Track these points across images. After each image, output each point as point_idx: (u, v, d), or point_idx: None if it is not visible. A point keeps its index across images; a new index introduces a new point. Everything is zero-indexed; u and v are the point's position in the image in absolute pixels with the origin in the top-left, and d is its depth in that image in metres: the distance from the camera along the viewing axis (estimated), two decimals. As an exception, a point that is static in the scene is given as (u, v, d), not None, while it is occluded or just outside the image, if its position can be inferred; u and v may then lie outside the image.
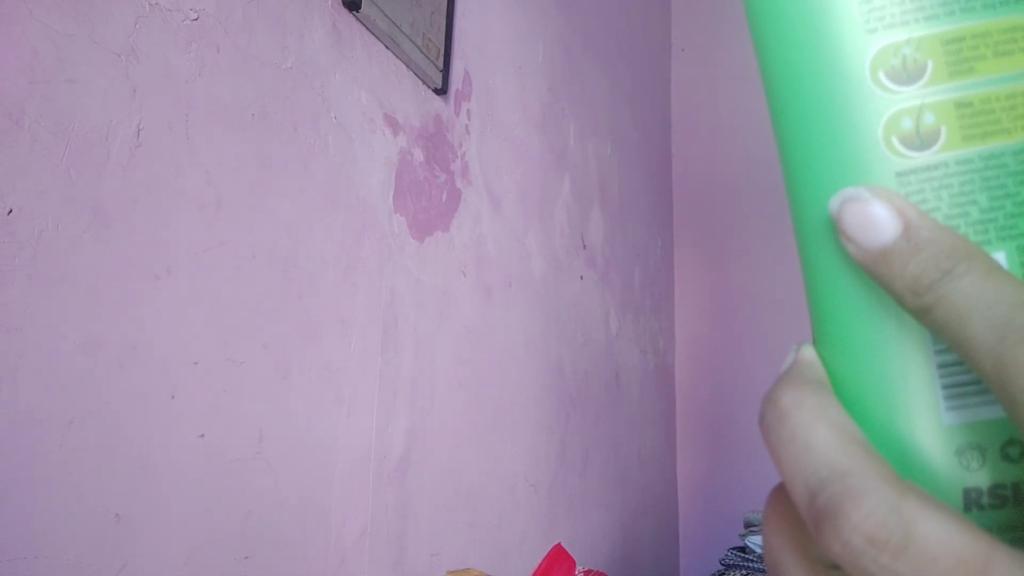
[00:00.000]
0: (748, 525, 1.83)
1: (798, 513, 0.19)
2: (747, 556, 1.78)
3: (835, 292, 0.19)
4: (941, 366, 0.17)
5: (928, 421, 0.18)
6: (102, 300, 0.60)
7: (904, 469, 0.18)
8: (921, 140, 0.18)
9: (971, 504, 0.17)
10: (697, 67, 2.67)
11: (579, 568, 1.08)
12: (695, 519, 2.37)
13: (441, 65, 1.11)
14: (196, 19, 0.70)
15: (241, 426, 0.73)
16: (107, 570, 0.59)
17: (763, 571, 1.73)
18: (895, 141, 0.18)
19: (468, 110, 1.21)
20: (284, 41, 0.81)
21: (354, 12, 0.92)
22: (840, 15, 0.18)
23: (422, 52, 1.06)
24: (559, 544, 1.08)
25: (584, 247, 1.68)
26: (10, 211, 0.54)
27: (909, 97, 0.18)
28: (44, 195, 0.56)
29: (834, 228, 0.18)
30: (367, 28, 0.95)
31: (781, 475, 0.18)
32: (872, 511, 0.15)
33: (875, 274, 0.18)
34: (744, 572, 1.76)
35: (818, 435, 0.17)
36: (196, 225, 0.69)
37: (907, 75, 0.18)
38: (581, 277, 1.65)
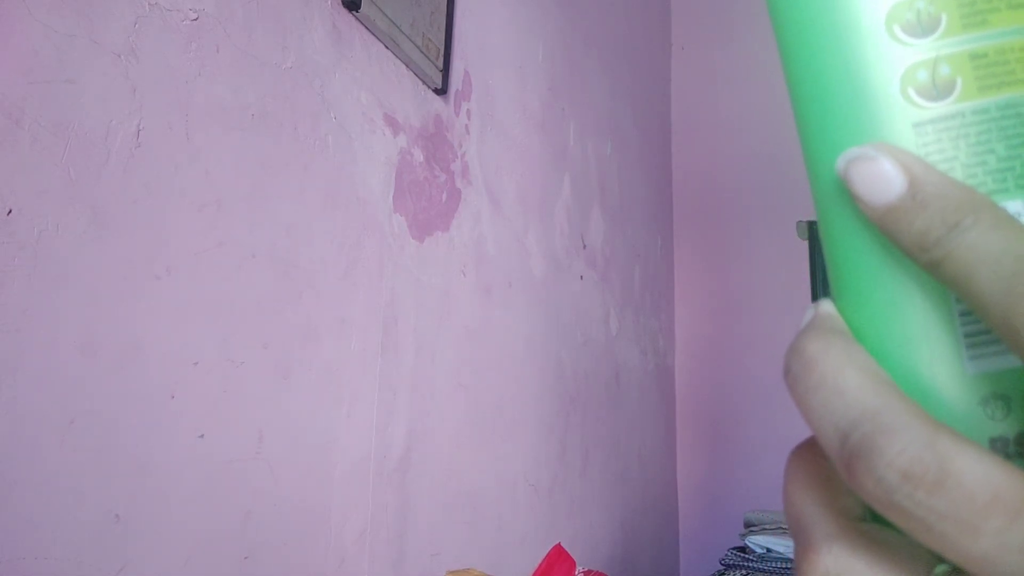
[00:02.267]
0: (748, 525, 1.83)
1: (824, 466, 0.19)
2: (747, 556, 1.78)
3: (852, 247, 0.19)
4: (963, 314, 0.17)
5: (951, 371, 0.18)
6: (102, 300, 0.60)
7: (933, 414, 0.18)
8: (937, 91, 0.18)
9: (997, 454, 0.17)
10: (697, 66, 2.67)
11: (579, 568, 1.08)
12: (695, 519, 2.37)
13: (441, 65, 1.11)
14: (196, 19, 0.70)
15: (241, 426, 0.73)
16: (107, 570, 0.59)
17: (763, 571, 1.73)
18: (912, 92, 0.18)
19: (468, 110, 1.21)
20: (284, 41, 0.81)
21: (354, 12, 0.92)
22: None
23: (422, 52, 1.06)
24: (559, 544, 1.08)
25: (584, 247, 1.68)
26: (10, 211, 0.54)
27: (924, 49, 0.18)
28: (44, 195, 0.56)
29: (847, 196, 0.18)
30: (367, 28, 0.95)
31: (810, 423, 0.18)
32: (907, 446, 0.15)
33: (885, 231, 0.18)
34: (744, 572, 1.76)
35: (848, 378, 0.17)
36: (196, 225, 0.69)
37: (922, 28, 0.18)
38: (581, 277, 1.65)
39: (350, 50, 0.92)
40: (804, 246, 2.43)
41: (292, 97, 0.82)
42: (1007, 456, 0.17)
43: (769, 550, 1.76)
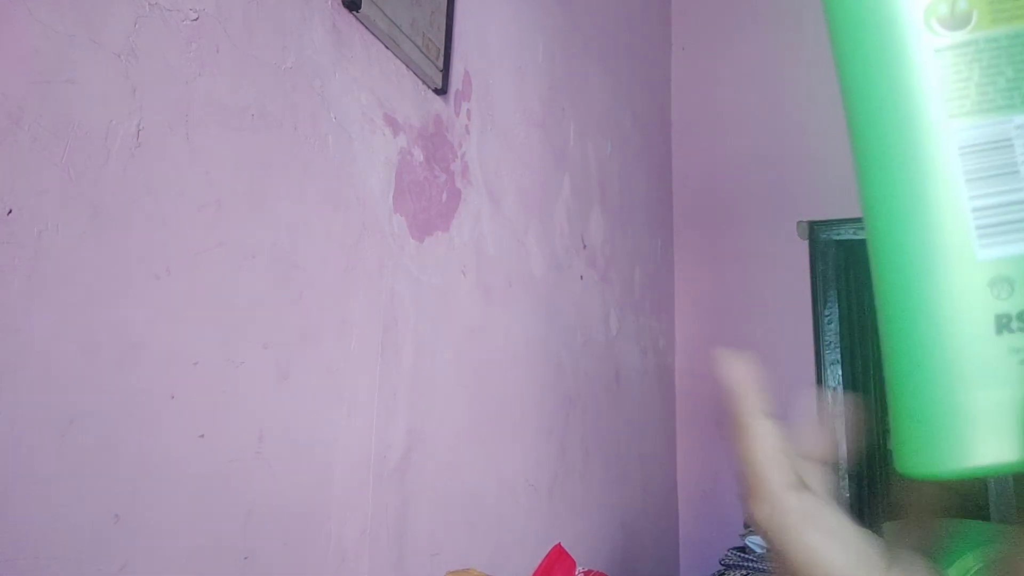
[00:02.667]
0: (748, 525, 1.83)
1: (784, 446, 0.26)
2: (747, 556, 1.78)
3: (877, 152, 0.22)
4: (975, 209, 0.20)
5: (963, 257, 0.20)
6: (102, 300, 0.60)
7: (940, 299, 0.20)
8: (955, 21, 0.21)
9: (1002, 328, 0.19)
10: (697, 66, 2.67)
11: (579, 568, 1.08)
12: (695, 519, 2.36)
13: (441, 65, 1.11)
14: (196, 19, 0.70)
15: (241, 426, 0.73)
16: (107, 570, 0.59)
17: (763, 571, 1.73)
18: (934, 23, 0.21)
19: (468, 110, 1.21)
20: (284, 41, 0.81)
21: (354, 12, 0.92)
22: None
23: (422, 52, 1.06)
24: (559, 544, 1.08)
25: (584, 247, 1.68)
26: (10, 211, 0.54)
27: None
28: (44, 195, 0.56)
29: (876, 103, 0.22)
30: (367, 28, 0.95)
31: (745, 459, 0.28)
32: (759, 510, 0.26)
33: None
34: (744, 572, 1.76)
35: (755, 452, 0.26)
36: (196, 225, 0.69)
37: None
38: (581, 277, 1.65)
39: (350, 50, 0.92)
40: (804, 246, 2.43)
41: (292, 97, 0.82)
42: (1010, 331, 0.19)
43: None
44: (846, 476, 2.28)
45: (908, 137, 0.21)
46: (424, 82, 1.08)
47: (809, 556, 0.24)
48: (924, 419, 0.21)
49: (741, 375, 0.26)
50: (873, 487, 2.41)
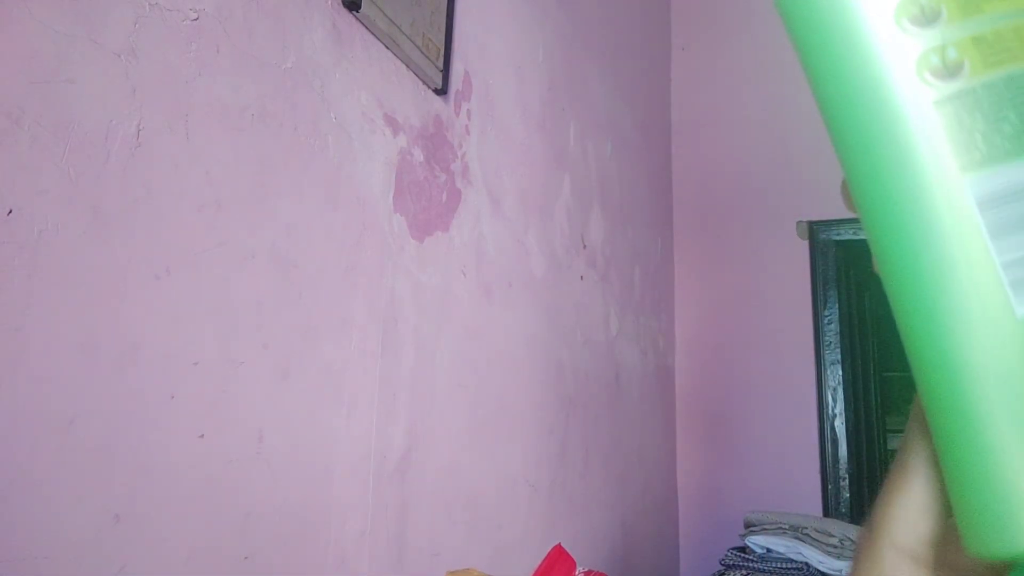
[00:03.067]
0: (748, 525, 1.83)
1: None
2: (747, 556, 1.78)
3: (890, 221, 0.21)
4: (1005, 265, 0.19)
5: (1004, 318, 0.19)
6: (102, 300, 0.60)
7: (989, 371, 0.19)
8: (948, 71, 0.20)
9: None
10: (697, 66, 2.67)
11: (579, 568, 1.08)
12: (695, 519, 2.36)
13: (441, 65, 1.11)
14: (196, 19, 0.70)
15: (241, 426, 0.73)
16: (107, 570, 0.59)
17: (763, 571, 1.73)
18: (927, 75, 0.20)
19: (468, 110, 1.21)
20: (284, 41, 0.81)
21: (354, 12, 0.92)
22: None
23: (422, 52, 1.06)
24: (559, 544, 1.08)
25: (584, 247, 1.68)
26: (10, 211, 0.54)
27: (932, 37, 0.20)
28: (44, 195, 0.56)
29: (880, 168, 0.21)
30: (367, 28, 0.95)
31: None
32: None
33: None
34: (744, 572, 1.76)
35: None
36: (196, 225, 0.69)
37: (926, 19, 0.20)
38: (581, 277, 1.65)
39: (350, 50, 0.92)
40: (804, 246, 2.43)
41: (292, 97, 0.82)
42: None
43: (769, 550, 1.76)
44: (847, 476, 2.28)
45: (921, 200, 0.20)
46: (424, 82, 1.08)
47: None
48: (994, 500, 0.19)
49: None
50: (873, 487, 2.41)
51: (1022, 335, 0.19)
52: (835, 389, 2.34)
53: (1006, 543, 0.19)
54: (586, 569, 1.10)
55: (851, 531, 1.74)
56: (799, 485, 2.27)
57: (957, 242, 0.20)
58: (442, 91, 1.13)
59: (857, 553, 0.25)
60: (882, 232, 0.21)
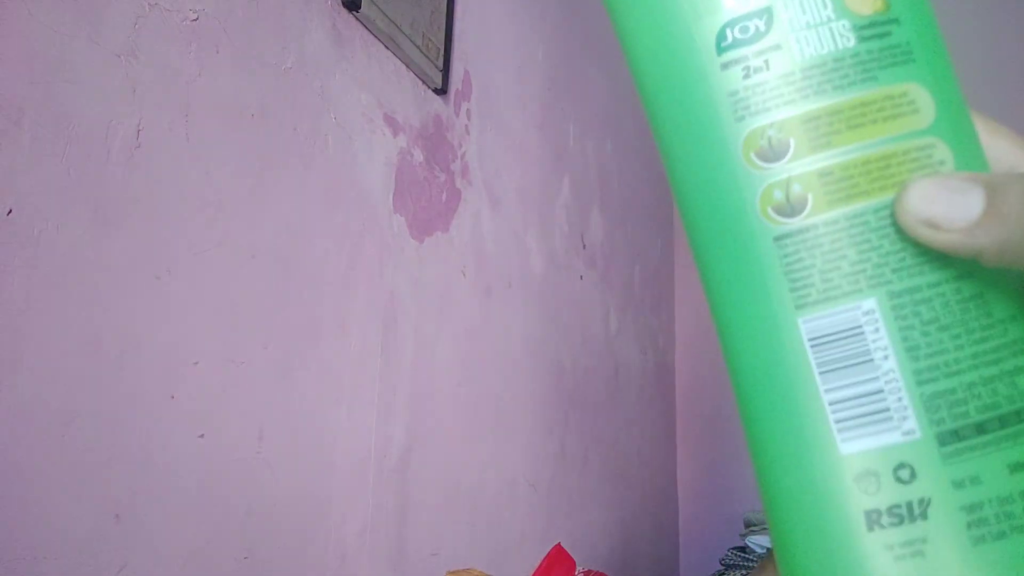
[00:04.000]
0: (748, 524, 1.83)
1: None
2: (747, 556, 1.78)
3: (740, 350, 0.22)
4: (831, 403, 0.20)
5: (827, 453, 0.20)
6: (102, 300, 0.60)
7: (812, 495, 0.20)
8: (792, 208, 0.20)
9: (872, 524, 0.19)
10: (697, 67, 2.67)
11: (579, 568, 1.08)
12: (695, 518, 2.36)
13: (441, 65, 1.11)
14: (196, 19, 0.70)
15: (241, 426, 0.73)
16: (107, 570, 0.59)
17: (763, 571, 1.73)
18: (770, 211, 0.20)
19: (468, 110, 1.21)
20: (284, 41, 0.81)
21: (354, 12, 0.92)
22: (713, 109, 0.21)
23: (422, 52, 1.06)
24: (559, 544, 1.08)
25: (584, 247, 1.68)
26: (10, 211, 0.54)
27: (778, 172, 0.20)
28: (44, 195, 0.56)
29: (730, 298, 0.21)
30: (367, 28, 0.95)
31: None
32: None
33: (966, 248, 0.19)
34: (744, 572, 1.76)
35: None
36: (196, 225, 0.69)
37: (774, 153, 0.20)
38: (581, 277, 1.65)
39: (350, 50, 0.92)
40: (804, 246, 2.43)
41: (292, 97, 0.82)
42: (880, 526, 0.19)
43: (769, 550, 1.76)
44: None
45: (763, 335, 0.21)
46: (424, 82, 1.08)
47: None
48: None
49: None
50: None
51: (844, 472, 0.19)
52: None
53: None
54: (586, 569, 1.10)
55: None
56: (799, 485, 2.27)
57: (792, 377, 0.20)
58: (442, 91, 1.13)
59: None
60: (735, 361, 0.22)
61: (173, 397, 0.66)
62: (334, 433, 0.86)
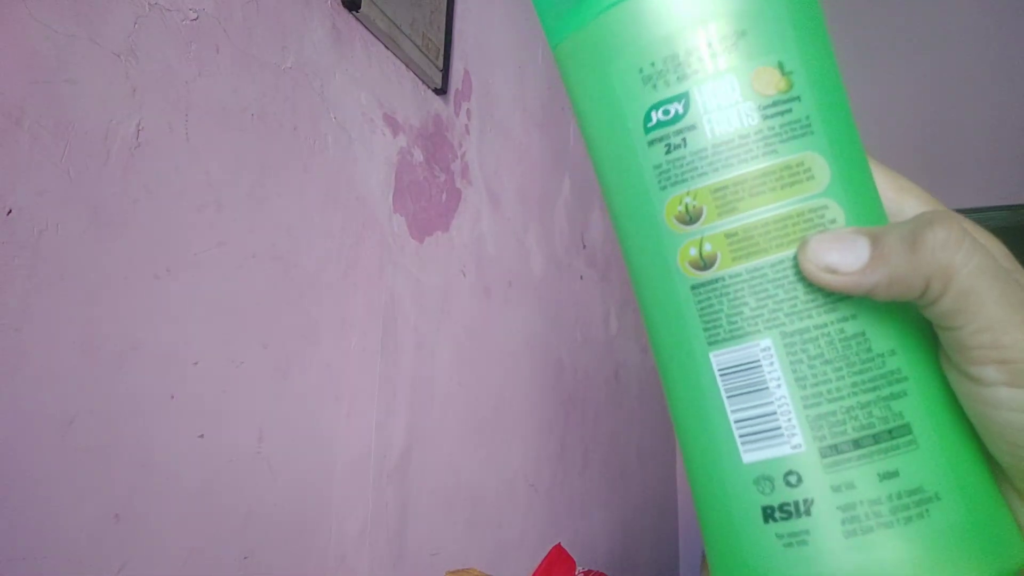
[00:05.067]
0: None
1: None
2: (747, 555, 1.78)
3: (669, 375, 0.26)
4: (736, 422, 0.24)
5: (733, 460, 0.24)
6: (102, 300, 0.60)
7: (722, 494, 0.25)
8: (704, 262, 0.24)
9: (768, 518, 0.23)
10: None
11: (579, 568, 1.08)
12: (695, 518, 2.36)
13: (441, 65, 1.11)
14: (196, 19, 0.70)
15: (241, 426, 0.73)
16: (107, 570, 0.59)
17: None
18: (687, 265, 0.25)
19: (468, 110, 1.21)
20: (284, 41, 0.81)
21: (354, 12, 0.92)
22: (642, 179, 0.25)
23: (422, 52, 1.06)
24: (559, 544, 1.08)
25: (584, 247, 1.68)
26: (10, 211, 0.54)
27: (693, 233, 0.24)
28: (44, 195, 0.56)
29: (659, 333, 0.26)
30: (367, 28, 0.95)
31: None
32: None
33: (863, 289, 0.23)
34: (744, 571, 1.76)
35: None
36: (196, 225, 0.69)
37: (690, 217, 0.24)
38: (581, 276, 1.65)
39: (350, 50, 0.92)
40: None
41: (292, 97, 0.82)
42: (774, 519, 0.23)
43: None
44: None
45: (685, 366, 0.25)
46: (424, 82, 1.08)
47: None
48: None
49: None
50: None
51: (746, 476, 0.24)
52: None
53: None
54: (586, 569, 1.10)
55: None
56: (799, 484, 2.27)
57: (707, 400, 0.24)
58: (442, 91, 1.13)
59: None
60: (668, 386, 0.26)
61: (173, 397, 0.66)
62: (334, 433, 0.86)
